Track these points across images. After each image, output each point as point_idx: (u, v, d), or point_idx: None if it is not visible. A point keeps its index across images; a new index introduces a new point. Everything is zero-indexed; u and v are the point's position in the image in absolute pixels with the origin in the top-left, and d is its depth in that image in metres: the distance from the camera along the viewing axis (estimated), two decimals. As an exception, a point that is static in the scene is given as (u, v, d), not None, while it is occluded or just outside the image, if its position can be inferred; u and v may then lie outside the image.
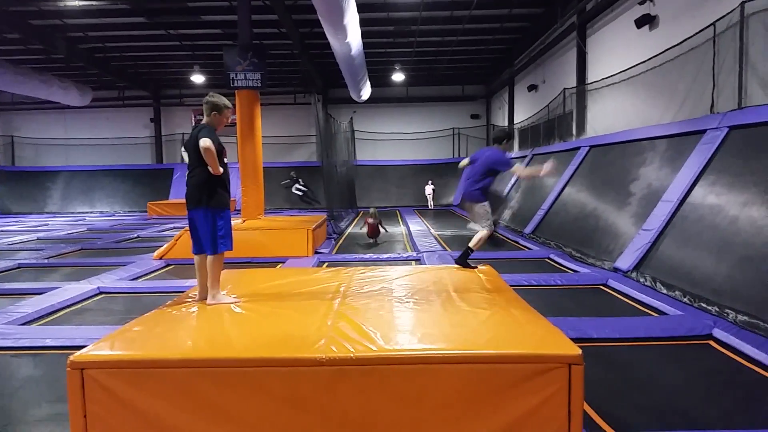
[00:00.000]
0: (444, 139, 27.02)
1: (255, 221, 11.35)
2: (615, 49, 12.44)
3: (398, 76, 23.78)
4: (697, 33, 8.77)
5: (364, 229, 12.48)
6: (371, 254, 10.27)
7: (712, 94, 8.36)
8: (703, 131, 7.93)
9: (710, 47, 8.43)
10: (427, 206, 23.53)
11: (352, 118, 23.78)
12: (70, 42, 18.40)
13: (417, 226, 15.19)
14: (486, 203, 5.89)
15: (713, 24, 8.29)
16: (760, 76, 7.55)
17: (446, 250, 10.55)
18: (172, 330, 3.63)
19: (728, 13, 7.94)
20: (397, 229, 15.02)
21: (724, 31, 8.13)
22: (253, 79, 11.54)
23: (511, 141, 5.71)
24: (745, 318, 5.27)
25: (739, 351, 4.69)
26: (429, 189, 23.80)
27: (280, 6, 14.03)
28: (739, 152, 7.06)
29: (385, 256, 10.13)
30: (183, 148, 4.90)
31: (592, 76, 13.80)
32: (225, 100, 4.46)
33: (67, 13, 15.67)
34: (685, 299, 6.23)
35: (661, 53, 9.96)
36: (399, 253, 10.53)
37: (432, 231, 14.11)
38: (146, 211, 22.32)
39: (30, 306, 6.37)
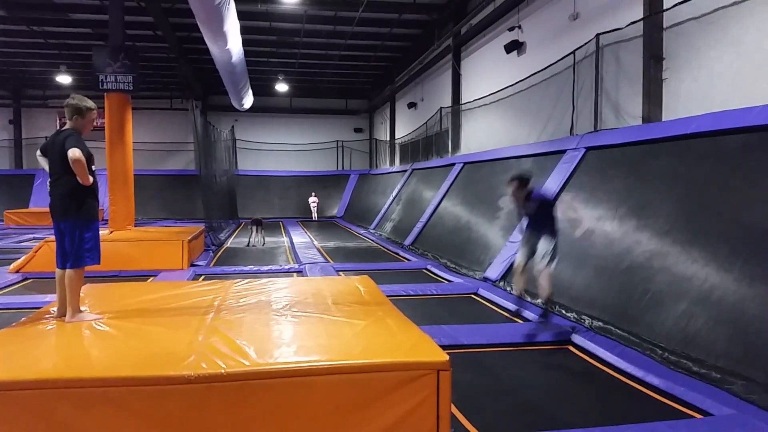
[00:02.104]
0: (328, 152, 27.15)
1: (124, 232, 10.73)
2: (487, 72, 13.19)
3: (282, 87, 23.61)
4: (558, 60, 9.53)
5: (245, 241, 13.31)
6: (251, 266, 10.06)
7: (572, 117, 9.11)
8: (563, 151, 8.60)
9: (570, 74, 9.19)
10: (311, 218, 23.48)
11: (233, 126, 23.22)
12: None
13: (300, 237, 15.11)
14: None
15: (573, 53, 9.05)
16: (612, 102, 8.36)
17: (329, 262, 10.59)
18: (28, 348, 3.35)
19: (586, 44, 8.72)
20: (279, 240, 14.83)
21: (582, 60, 8.91)
22: (124, 82, 10.95)
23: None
24: (600, 324, 5.77)
25: (595, 355, 5.11)
26: (313, 200, 23.77)
27: (155, 8, 13.48)
28: (595, 171, 7.74)
29: (265, 268, 9.97)
30: (39, 153, 4.55)
31: (466, 96, 14.53)
32: (88, 102, 4.20)
33: None
34: (545, 307, 6.68)
35: (527, 78, 10.70)
36: (281, 265, 10.41)
37: (315, 242, 14.09)
38: (2, 220, 20.39)
39: None
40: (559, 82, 9.64)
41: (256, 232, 13.79)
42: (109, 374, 2.91)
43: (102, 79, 10.88)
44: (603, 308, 6.05)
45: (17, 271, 9.17)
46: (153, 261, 9.60)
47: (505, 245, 8.52)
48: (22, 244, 13.81)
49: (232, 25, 10.79)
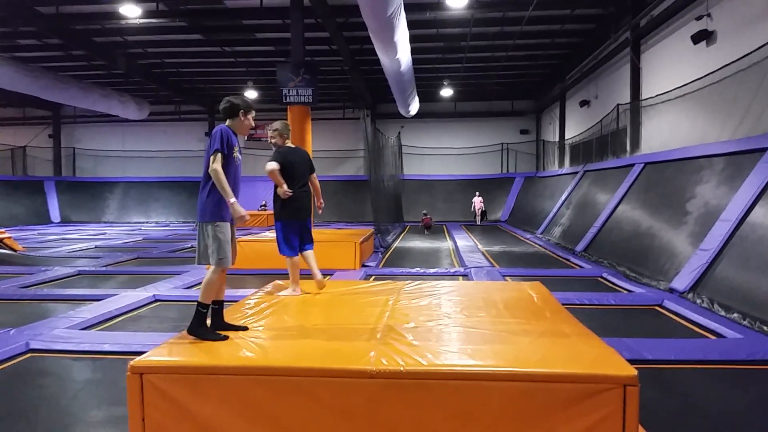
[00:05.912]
0: (492, 155, 26.86)
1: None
2: (670, 65, 12.16)
3: (446, 92, 23.81)
4: (756, 49, 8.49)
5: (413, 243, 12.95)
6: (418, 268, 10.26)
7: (775, 110, 8.07)
8: (764, 149, 7.64)
9: (772, 63, 8.15)
10: (475, 221, 23.35)
11: (399, 132, 23.91)
12: (129, 58, 19.21)
13: (464, 241, 15.10)
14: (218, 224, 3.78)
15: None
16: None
17: (494, 267, 10.45)
18: (231, 337, 3.71)
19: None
20: (443, 244, 14.96)
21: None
22: (304, 95, 11.79)
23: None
24: (812, 344, 5.03)
25: (805, 378, 4.47)
26: (478, 202, 23.54)
27: (331, 24, 14.30)
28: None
29: (432, 270, 10.10)
30: None
31: (646, 92, 13.51)
32: (274, 124, 5.39)
33: (127, 31, 16.38)
34: (744, 322, 5.98)
35: (718, 69, 9.68)
36: (446, 268, 10.48)
37: (479, 246, 14.00)
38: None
39: (89, 311, 6.62)
40: (757, 73, 8.58)
41: (426, 230, 17.87)
42: (300, 364, 3.13)
43: (285, 93, 11.83)
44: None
45: (214, 267, 10.24)
46: (329, 261, 10.14)
47: (695, 253, 7.76)
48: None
49: (401, 35, 11.12)
